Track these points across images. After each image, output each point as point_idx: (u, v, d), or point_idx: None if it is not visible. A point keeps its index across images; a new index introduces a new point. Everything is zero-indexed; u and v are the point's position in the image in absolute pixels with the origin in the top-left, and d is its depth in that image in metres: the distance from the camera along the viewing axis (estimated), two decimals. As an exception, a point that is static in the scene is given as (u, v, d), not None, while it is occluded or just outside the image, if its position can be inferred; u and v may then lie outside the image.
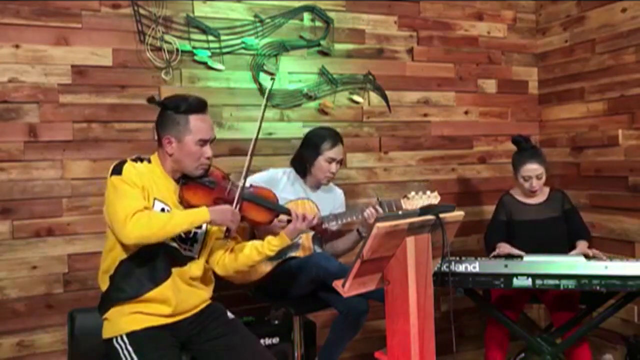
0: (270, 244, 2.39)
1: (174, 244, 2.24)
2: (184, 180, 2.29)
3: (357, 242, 2.96)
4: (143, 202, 2.12)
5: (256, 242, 2.41)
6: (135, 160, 2.24)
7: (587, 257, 2.77)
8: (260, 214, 2.41)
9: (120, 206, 2.08)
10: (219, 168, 2.44)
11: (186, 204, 2.25)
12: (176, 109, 2.24)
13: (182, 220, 2.12)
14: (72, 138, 2.96)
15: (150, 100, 2.30)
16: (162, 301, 2.20)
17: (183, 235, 2.26)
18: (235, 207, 2.28)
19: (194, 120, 2.24)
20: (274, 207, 2.46)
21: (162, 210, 2.20)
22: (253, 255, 2.38)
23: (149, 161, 2.29)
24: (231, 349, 2.26)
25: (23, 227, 2.87)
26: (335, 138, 2.96)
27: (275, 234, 2.47)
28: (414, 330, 1.98)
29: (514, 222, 3.22)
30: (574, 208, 3.28)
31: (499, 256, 2.89)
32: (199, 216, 2.15)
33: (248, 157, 2.35)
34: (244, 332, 2.36)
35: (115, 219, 2.08)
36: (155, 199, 2.20)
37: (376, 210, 2.76)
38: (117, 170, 2.16)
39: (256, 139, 2.37)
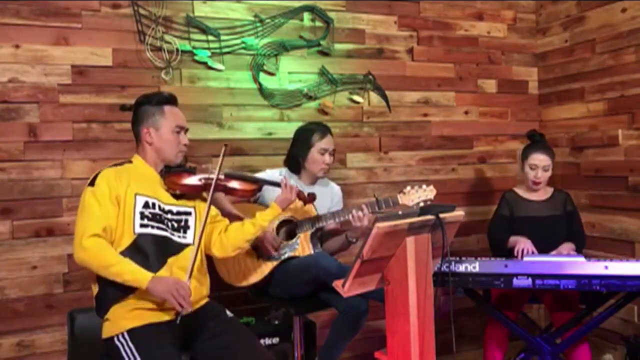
0: (263, 214, 2.46)
1: (166, 233, 2.28)
2: (166, 169, 2.39)
3: (346, 246, 2.96)
4: (104, 222, 2.17)
5: (248, 219, 2.48)
6: (114, 165, 2.33)
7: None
8: (243, 184, 2.54)
9: (81, 223, 2.19)
10: None
11: (174, 187, 2.36)
12: (149, 102, 2.38)
13: (122, 272, 2.12)
14: (72, 138, 2.96)
15: (123, 107, 2.49)
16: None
17: (175, 224, 2.32)
18: (191, 272, 2.23)
19: (168, 110, 2.39)
20: (256, 179, 2.60)
21: (146, 203, 2.27)
22: (249, 229, 2.43)
23: (130, 162, 2.38)
24: (230, 348, 2.26)
25: (23, 227, 2.87)
26: (324, 129, 2.98)
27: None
28: (414, 330, 1.98)
29: (515, 218, 3.24)
30: (576, 211, 3.29)
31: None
32: (138, 279, 2.11)
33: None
34: (243, 331, 2.36)
35: (75, 233, 2.19)
36: (136, 194, 2.26)
37: (363, 213, 2.75)
38: (92, 181, 2.26)
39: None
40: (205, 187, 2.41)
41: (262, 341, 2.74)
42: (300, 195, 2.65)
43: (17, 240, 2.86)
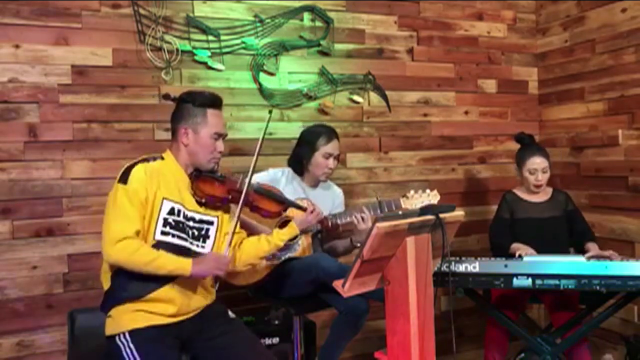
0: (280, 234, 2.42)
1: (185, 243, 2.25)
2: (197, 173, 2.33)
3: (350, 250, 2.96)
4: (137, 225, 2.14)
5: (265, 235, 2.45)
6: (146, 160, 2.25)
7: (601, 258, 2.75)
8: (270, 205, 2.46)
9: (114, 224, 2.13)
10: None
11: (201, 194, 2.29)
12: (194, 102, 2.30)
13: (165, 264, 2.13)
14: (72, 138, 2.96)
15: (166, 97, 2.36)
16: (166, 301, 2.20)
17: (195, 233, 2.28)
18: (230, 242, 2.27)
19: (211, 114, 2.31)
20: (283, 200, 2.51)
21: (172, 210, 2.22)
22: (263, 245, 2.41)
23: (162, 158, 2.31)
24: (232, 349, 2.26)
25: (23, 227, 2.87)
26: (331, 133, 2.96)
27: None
28: (414, 330, 1.98)
29: (516, 220, 3.23)
30: (577, 210, 3.29)
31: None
32: (181, 267, 2.14)
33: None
34: (245, 332, 2.36)
35: (105, 234, 2.14)
36: (164, 198, 2.21)
37: (365, 215, 2.75)
38: (124, 178, 2.17)
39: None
40: (232, 200, 2.36)
41: (262, 341, 2.73)
42: (323, 222, 2.61)
43: (17, 240, 2.86)
